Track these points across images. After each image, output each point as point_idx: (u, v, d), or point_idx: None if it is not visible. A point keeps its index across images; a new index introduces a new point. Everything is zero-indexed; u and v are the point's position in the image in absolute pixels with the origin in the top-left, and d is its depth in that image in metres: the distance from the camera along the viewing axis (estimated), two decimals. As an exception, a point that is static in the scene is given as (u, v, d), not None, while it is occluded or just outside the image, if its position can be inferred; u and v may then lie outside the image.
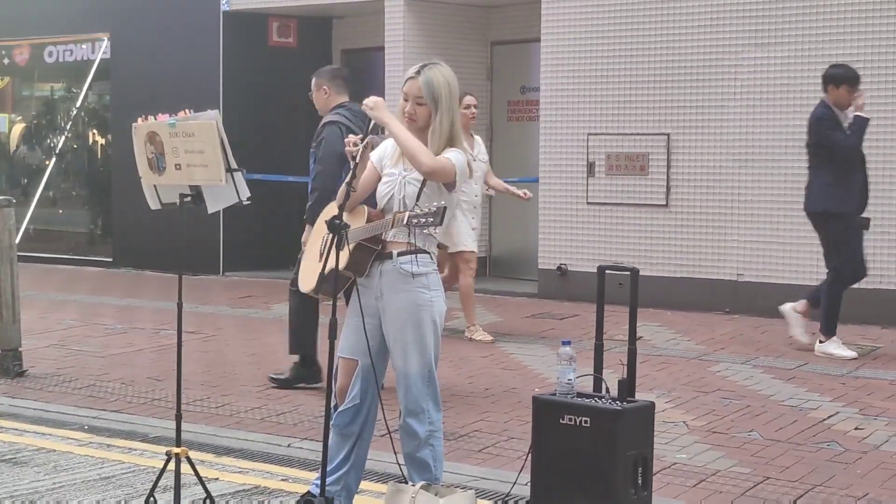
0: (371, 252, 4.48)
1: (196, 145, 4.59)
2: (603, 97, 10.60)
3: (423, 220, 4.27)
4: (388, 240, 4.49)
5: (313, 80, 7.47)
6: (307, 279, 4.65)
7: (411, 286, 4.46)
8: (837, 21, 9.46)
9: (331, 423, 4.49)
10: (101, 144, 14.65)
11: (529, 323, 9.72)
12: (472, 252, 8.78)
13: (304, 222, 7.13)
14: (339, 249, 4.27)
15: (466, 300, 8.82)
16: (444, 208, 4.28)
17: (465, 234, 8.66)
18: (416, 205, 4.40)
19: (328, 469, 4.49)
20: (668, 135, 10.24)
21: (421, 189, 4.45)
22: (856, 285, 9.35)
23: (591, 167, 10.71)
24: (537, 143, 11.16)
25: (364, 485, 5.04)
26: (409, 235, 4.43)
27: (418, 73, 4.50)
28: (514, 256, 12.41)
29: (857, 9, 9.39)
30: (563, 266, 10.82)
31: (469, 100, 8.75)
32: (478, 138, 8.94)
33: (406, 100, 4.50)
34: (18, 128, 15.42)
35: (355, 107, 7.21)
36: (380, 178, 4.57)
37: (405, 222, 4.31)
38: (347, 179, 4.39)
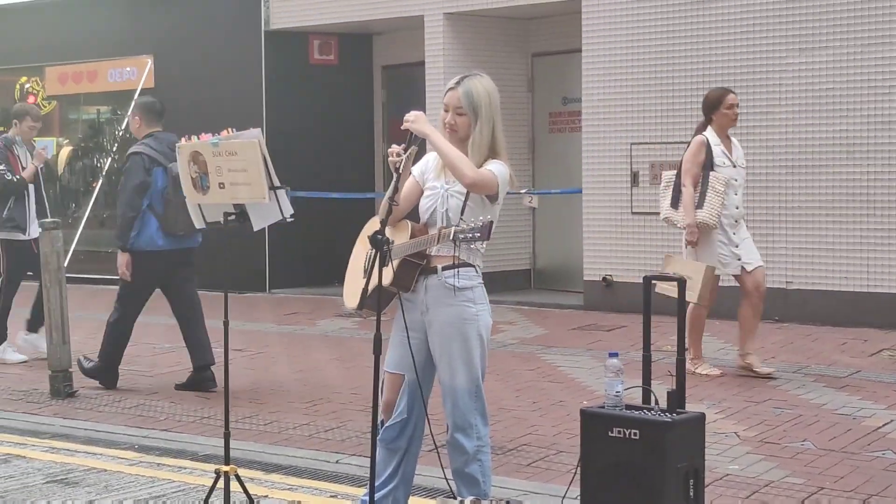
0: (416, 267, 4.46)
1: (239, 164, 4.61)
2: (645, 106, 10.54)
3: (470, 235, 4.24)
4: (432, 254, 4.47)
5: (131, 107, 8.22)
6: (351, 296, 4.64)
7: (457, 300, 4.44)
8: (882, 24, 9.34)
9: (378, 437, 4.47)
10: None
11: (576, 335, 9.66)
12: (754, 272, 7.77)
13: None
14: (381, 265, 4.26)
15: (746, 326, 7.77)
16: (491, 223, 4.25)
17: (729, 255, 7.73)
18: (462, 219, 4.38)
19: (376, 484, 4.48)
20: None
21: (465, 203, 4.43)
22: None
23: (634, 177, 10.64)
24: (580, 154, 11.11)
25: (412, 500, 5.02)
26: (454, 249, 4.40)
27: (458, 83, 4.50)
28: (559, 268, 12.35)
29: (902, 11, 9.27)
30: (608, 277, 10.75)
31: (732, 99, 7.78)
32: (735, 141, 7.97)
33: (446, 110, 4.50)
34: (66, 151, 15.62)
35: (163, 135, 7.84)
36: (422, 192, 4.56)
37: (451, 238, 4.28)
38: (389, 193, 4.38)
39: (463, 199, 4.44)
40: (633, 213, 10.64)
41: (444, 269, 4.44)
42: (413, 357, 4.47)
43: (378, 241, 4.19)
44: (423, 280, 4.48)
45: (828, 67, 9.62)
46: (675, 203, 7.82)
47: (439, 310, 4.46)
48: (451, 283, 4.43)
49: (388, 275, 4.35)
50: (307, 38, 13.27)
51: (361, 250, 4.71)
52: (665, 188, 7.98)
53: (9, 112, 10.22)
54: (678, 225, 7.84)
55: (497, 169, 4.44)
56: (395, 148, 4.45)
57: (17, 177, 9.01)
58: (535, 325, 10.17)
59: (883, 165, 9.37)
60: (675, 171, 7.91)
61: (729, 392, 7.31)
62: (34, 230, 8.74)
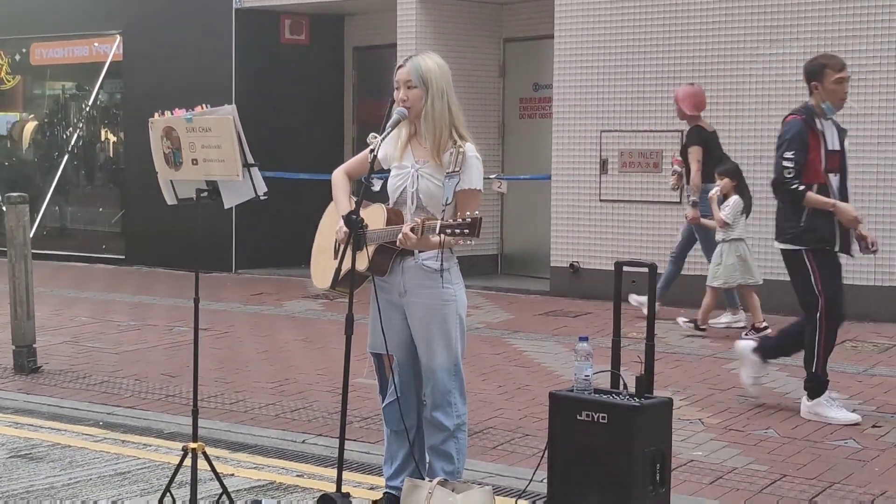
0: (392, 252, 4.44)
1: (213, 140, 4.58)
2: (616, 94, 10.57)
3: (458, 230, 4.11)
4: None
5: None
6: (323, 276, 4.62)
7: (435, 282, 4.44)
8: (853, 17, 9.41)
9: (384, 423, 4.64)
10: (113, 142, 14.67)
11: (542, 321, 9.69)
12: None
13: None
14: (355, 246, 4.25)
15: None
16: (480, 219, 4.13)
17: None
18: (444, 211, 4.28)
19: (395, 467, 4.62)
20: (682, 131, 10.19)
21: (445, 186, 4.35)
22: (868, 283, 9.33)
23: (603, 164, 10.68)
24: (550, 141, 11.13)
25: (366, 478, 5.06)
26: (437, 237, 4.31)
27: (406, 60, 4.53)
28: (526, 254, 12.38)
29: (873, 4, 9.34)
30: (575, 264, 10.79)
31: None
32: None
33: (398, 88, 4.49)
34: (31, 126, 15.45)
35: None
36: (369, 168, 4.50)
37: (438, 231, 4.16)
38: (366, 174, 4.38)
39: (435, 181, 4.41)
40: (601, 201, 10.68)
41: (420, 251, 4.43)
42: (384, 337, 4.48)
43: (353, 222, 4.18)
44: (400, 262, 4.47)
45: (798, 59, 9.65)
46: None
47: (418, 292, 4.46)
48: (429, 265, 4.43)
49: (363, 260, 4.34)
50: (278, 17, 13.19)
51: (328, 229, 4.69)
52: None
53: None
54: None
55: (475, 167, 4.40)
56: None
57: (801, 186, 6.12)
58: (502, 310, 10.19)
59: (850, 157, 9.42)
60: None
61: (693, 379, 7.36)
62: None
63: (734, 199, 8.71)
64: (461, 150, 4.41)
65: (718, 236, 8.77)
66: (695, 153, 9.07)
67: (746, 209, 8.76)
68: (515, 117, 12.46)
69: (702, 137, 9.19)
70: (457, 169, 4.36)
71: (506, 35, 12.43)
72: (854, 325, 9.13)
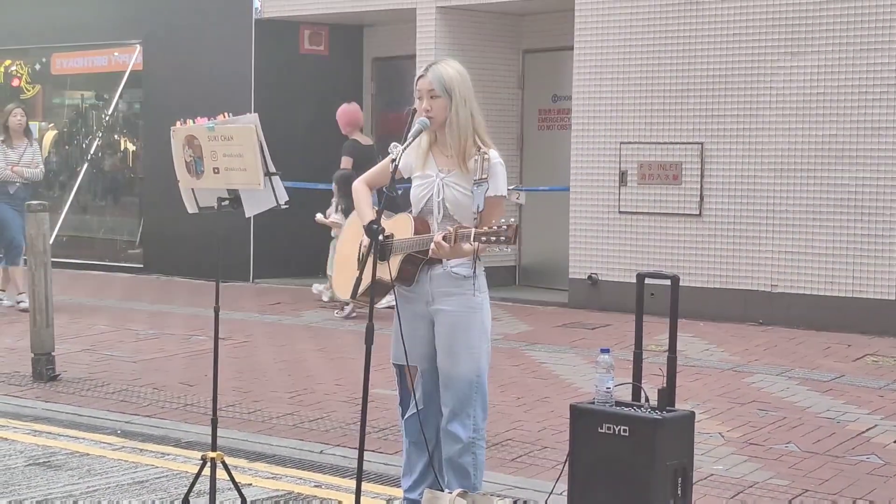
0: (419, 261, 4.41)
1: (234, 149, 4.58)
2: (635, 106, 10.55)
3: (495, 238, 4.08)
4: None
5: None
6: (346, 286, 4.60)
7: (463, 289, 4.42)
8: (874, 30, 9.37)
9: (403, 435, 4.60)
10: (133, 151, 14.71)
11: (560, 332, 9.66)
12: None
13: None
14: (377, 255, 4.23)
15: None
16: (517, 226, 4.10)
17: None
18: (476, 219, 4.19)
19: (413, 479, 4.58)
20: (701, 144, 10.17)
21: (483, 194, 4.28)
22: (889, 298, 9.27)
23: (623, 176, 10.64)
24: (568, 152, 11.11)
25: (385, 489, 5.03)
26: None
27: (427, 69, 4.49)
28: (544, 266, 12.35)
29: (894, 17, 9.29)
30: (594, 276, 10.76)
31: None
32: None
33: (420, 98, 4.47)
34: (50, 135, 15.50)
35: None
36: (391, 177, 4.46)
37: (472, 239, 4.13)
38: (388, 184, 4.37)
39: (461, 189, 4.36)
40: (620, 213, 10.65)
41: (449, 259, 4.38)
42: (409, 349, 4.45)
43: (373, 231, 4.17)
44: (428, 271, 4.44)
45: (818, 72, 9.64)
46: None
47: (445, 300, 4.43)
48: (458, 272, 4.40)
49: (393, 270, 4.31)
50: (298, 27, 13.21)
51: (351, 239, 4.67)
52: None
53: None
54: None
55: (501, 173, 4.38)
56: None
57: None
58: (520, 322, 10.16)
59: (870, 171, 9.40)
60: None
61: (713, 393, 7.32)
62: None
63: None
64: (486, 156, 4.37)
65: (334, 232, 10.42)
66: (344, 162, 10.73)
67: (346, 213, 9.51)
68: (534, 128, 12.45)
69: (355, 149, 10.83)
70: (484, 176, 4.32)
71: (525, 46, 12.43)
72: (875, 339, 9.08)
